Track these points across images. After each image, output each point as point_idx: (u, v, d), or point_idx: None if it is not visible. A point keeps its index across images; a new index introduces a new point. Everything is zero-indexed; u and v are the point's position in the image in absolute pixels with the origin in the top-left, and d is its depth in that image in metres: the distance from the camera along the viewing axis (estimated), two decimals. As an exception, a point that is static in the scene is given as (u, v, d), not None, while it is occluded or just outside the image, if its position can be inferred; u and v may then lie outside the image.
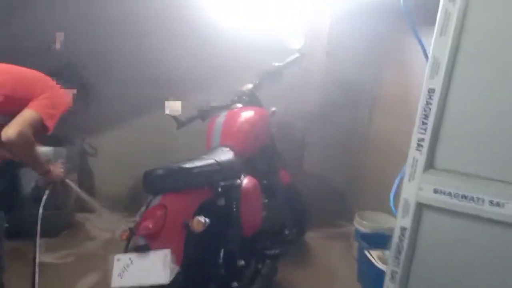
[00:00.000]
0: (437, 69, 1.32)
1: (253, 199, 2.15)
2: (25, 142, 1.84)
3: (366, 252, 2.48)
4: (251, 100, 2.53)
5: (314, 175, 3.21)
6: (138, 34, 2.87)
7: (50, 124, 1.94)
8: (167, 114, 2.24)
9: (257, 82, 2.56)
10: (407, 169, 1.44)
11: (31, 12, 2.84)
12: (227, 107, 2.46)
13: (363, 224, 2.78)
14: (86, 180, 3.09)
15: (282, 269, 2.53)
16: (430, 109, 1.35)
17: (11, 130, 1.79)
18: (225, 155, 2.07)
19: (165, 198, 1.72)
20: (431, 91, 1.34)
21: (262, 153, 2.44)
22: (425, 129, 1.38)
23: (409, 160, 1.43)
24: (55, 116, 1.97)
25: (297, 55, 2.54)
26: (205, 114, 2.44)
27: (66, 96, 2.12)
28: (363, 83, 3.14)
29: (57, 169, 2.14)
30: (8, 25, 2.05)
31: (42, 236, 2.75)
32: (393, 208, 1.85)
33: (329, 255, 2.97)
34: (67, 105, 2.08)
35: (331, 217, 3.22)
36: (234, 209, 2.01)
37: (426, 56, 1.42)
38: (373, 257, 2.36)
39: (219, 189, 1.95)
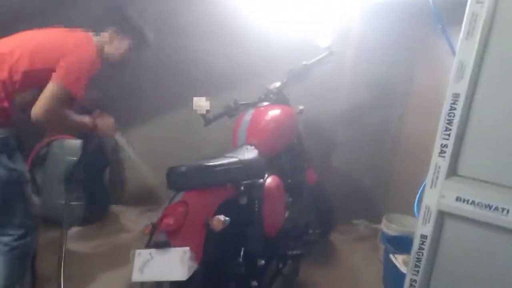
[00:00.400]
0: (462, 73, 1.27)
1: (276, 199, 2.14)
2: (54, 119, 1.78)
3: (391, 256, 2.44)
4: (278, 98, 2.52)
5: (342, 175, 3.17)
6: (170, 33, 2.91)
7: (76, 89, 1.84)
8: (194, 111, 2.24)
9: (285, 80, 2.54)
10: (429, 175, 1.41)
11: (71, 9, 2.91)
12: (254, 105, 2.46)
13: (390, 227, 2.73)
14: (117, 174, 3.19)
15: (305, 269, 2.52)
16: (454, 114, 1.31)
17: (37, 109, 1.75)
18: (249, 153, 2.07)
19: (187, 195, 1.74)
20: (455, 95, 1.30)
21: (288, 152, 2.43)
22: (449, 135, 1.34)
23: (432, 166, 1.39)
24: (79, 81, 1.85)
25: (325, 53, 2.50)
26: (232, 112, 2.45)
27: (89, 53, 1.93)
28: (394, 83, 3.07)
29: (105, 121, 2.05)
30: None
31: (77, 224, 2.87)
32: (417, 214, 1.80)
33: (354, 256, 2.93)
34: (93, 63, 1.92)
35: (358, 218, 3.17)
36: (256, 208, 2.01)
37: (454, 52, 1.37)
38: (398, 261, 2.32)
39: (242, 188, 1.95)
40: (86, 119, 1.99)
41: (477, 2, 1.21)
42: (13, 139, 1.86)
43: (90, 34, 2.04)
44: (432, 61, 2.65)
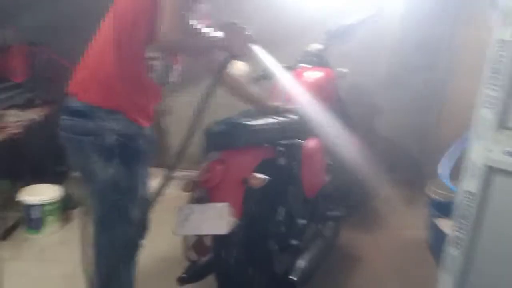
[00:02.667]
0: (510, 17, 1.18)
1: (315, 161, 2.13)
2: (187, 35, 1.44)
3: (435, 220, 2.38)
4: (318, 60, 2.46)
5: (386, 140, 3.09)
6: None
7: None
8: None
9: (326, 42, 2.48)
10: (474, 128, 1.34)
11: None
12: (292, 67, 2.42)
13: (436, 191, 2.65)
14: (161, 138, 3.28)
15: (347, 232, 2.51)
16: (502, 61, 1.23)
17: (167, 29, 1.36)
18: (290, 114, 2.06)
19: (225, 154, 1.76)
20: (502, 42, 1.21)
21: (330, 114, 2.38)
22: (497, 84, 1.26)
23: (477, 118, 1.32)
24: None
25: (370, 12, 2.40)
26: (271, 74, 2.42)
27: None
28: (439, 43, 2.92)
29: (238, 34, 1.60)
30: None
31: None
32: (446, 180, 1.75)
33: (399, 221, 2.89)
34: None
35: (403, 183, 3.09)
36: (295, 170, 2.01)
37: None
38: (442, 225, 2.26)
39: (280, 148, 1.95)
40: (216, 32, 1.55)
41: None
42: None
43: None
44: (481, 16, 2.49)
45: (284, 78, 2.13)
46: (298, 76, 2.35)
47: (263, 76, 2.44)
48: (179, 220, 1.67)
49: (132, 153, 1.53)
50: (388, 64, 3.06)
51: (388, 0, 2.72)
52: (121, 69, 1.48)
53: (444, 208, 2.35)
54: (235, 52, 1.60)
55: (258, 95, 2.00)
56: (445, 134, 3.04)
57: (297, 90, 2.23)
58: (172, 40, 1.41)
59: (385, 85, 3.09)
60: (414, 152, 3.13)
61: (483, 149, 1.32)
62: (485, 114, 1.30)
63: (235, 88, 1.96)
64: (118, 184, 1.51)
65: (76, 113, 1.49)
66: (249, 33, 1.62)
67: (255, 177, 1.72)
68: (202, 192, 1.73)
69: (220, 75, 1.63)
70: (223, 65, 1.62)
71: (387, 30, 2.95)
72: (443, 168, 1.92)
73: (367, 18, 2.43)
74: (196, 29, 1.47)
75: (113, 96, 1.48)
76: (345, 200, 2.48)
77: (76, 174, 1.66)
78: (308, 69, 2.41)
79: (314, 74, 2.38)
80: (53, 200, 2.60)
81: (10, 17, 2.59)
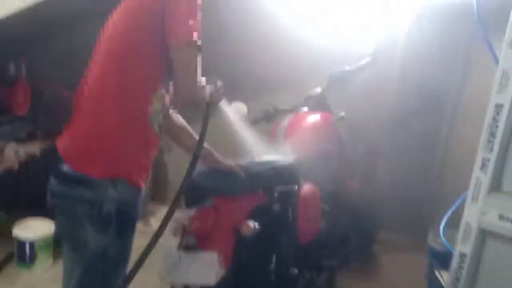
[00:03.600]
0: (506, 83, 1.18)
1: (311, 207, 2.09)
2: (198, 94, 1.44)
3: (436, 272, 2.31)
4: (318, 104, 2.46)
5: (388, 184, 3.04)
6: (209, 38, 2.93)
7: (198, 36, 1.37)
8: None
9: (326, 86, 2.49)
10: (470, 190, 1.31)
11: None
12: (292, 110, 2.43)
13: (437, 241, 2.58)
14: (161, 174, 3.27)
15: (344, 282, 2.44)
16: (497, 126, 1.22)
17: (192, 88, 1.38)
18: (285, 159, 2.04)
19: (217, 200, 1.74)
20: (498, 106, 1.20)
21: (327, 159, 2.37)
22: (491, 148, 1.24)
23: (473, 180, 1.30)
24: (196, 25, 1.37)
25: (368, 59, 2.42)
26: (271, 117, 2.44)
27: None
28: (444, 89, 2.92)
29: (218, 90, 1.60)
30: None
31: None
32: (442, 237, 1.73)
33: (398, 270, 2.81)
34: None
35: (404, 230, 3.03)
36: (290, 216, 1.98)
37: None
38: (442, 278, 2.19)
39: (275, 194, 1.93)
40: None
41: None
42: None
43: None
44: (483, 67, 2.50)
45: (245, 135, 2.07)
46: (300, 119, 2.36)
47: (262, 118, 2.45)
48: (166, 267, 1.63)
49: (129, 221, 1.44)
50: (391, 108, 3.06)
51: (387, 45, 2.72)
52: (126, 129, 1.38)
53: (445, 259, 2.28)
54: (213, 102, 1.58)
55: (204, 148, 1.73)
56: (447, 181, 3.01)
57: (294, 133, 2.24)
58: (191, 96, 1.42)
59: (388, 129, 3.08)
60: (416, 198, 3.08)
61: (478, 211, 1.30)
62: (480, 177, 1.28)
63: (179, 138, 1.72)
64: (109, 253, 1.40)
65: (72, 180, 1.36)
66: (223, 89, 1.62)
67: (246, 225, 1.69)
68: (190, 239, 1.70)
69: (206, 124, 1.57)
70: (206, 115, 1.57)
71: (388, 74, 2.96)
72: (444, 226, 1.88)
73: (366, 64, 2.45)
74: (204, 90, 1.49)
75: (116, 163, 1.37)
76: (341, 247, 2.43)
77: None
78: (310, 112, 2.41)
79: (317, 118, 2.38)
80: (46, 236, 2.58)
81: (15, 51, 2.64)
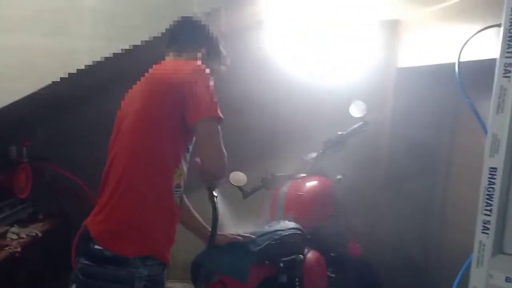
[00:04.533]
0: (497, 147, 1.23)
1: (317, 275, 2.08)
2: (224, 164, 1.50)
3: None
4: (315, 169, 2.52)
5: (388, 245, 3.03)
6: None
7: (220, 112, 1.49)
8: (232, 185, 2.27)
9: (321, 151, 2.55)
10: (474, 254, 1.33)
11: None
12: (290, 177, 2.47)
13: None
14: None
15: None
16: (493, 189, 1.25)
17: (213, 165, 1.47)
18: (287, 228, 2.05)
19: (224, 275, 1.73)
20: (492, 170, 1.25)
21: (328, 224, 2.38)
22: (491, 210, 1.27)
23: (476, 243, 1.32)
24: (216, 99, 1.49)
25: (360, 123, 2.51)
26: (269, 184, 2.47)
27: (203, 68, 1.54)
28: (435, 148, 3.00)
29: None
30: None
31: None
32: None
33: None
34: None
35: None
36: (297, 286, 1.96)
37: (483, 127, 1.34)
38: None
39: (281, 265, 1.92)
40: None
41: (504, 76, 1.20)
42: None
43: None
44: (472, 126, 2.59)
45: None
46: (299, 185, 2.40)
47: (261, 186, 2.48)
48: None
49: None
50: (384, 169, 3.11)
51: (377, 109, 2.83)
52: (157, 206, 1.46)
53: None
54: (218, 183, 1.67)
55: (204, 227, 1.82)
56: (448, 241, 3.00)
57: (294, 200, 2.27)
58: (217, 172, 1.50)
59: (384, 190, 3.11)
60: (418, 258, 3.06)
61: (484, 275, 1.30)
62: (483, 239, 1.30)
63: (184, 216, 1.74)
64: None
65: (105, 260, 1.42)
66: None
67: (255, 301, 1.68)
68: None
69: (214, 200, 1.66)
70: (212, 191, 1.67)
71: (379, 136, 3.05)
72: None
73: (358, 127, 2.53)
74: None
75: (150, 242, 1.45)
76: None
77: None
78: (308, 178, 2.45)
79: (315, 183, 2.42)
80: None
81: (16, 134, 2.70)
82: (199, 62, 1.56)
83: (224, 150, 1.49)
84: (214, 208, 1.65)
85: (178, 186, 1.53)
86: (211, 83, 1.50)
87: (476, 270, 1.31)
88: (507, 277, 1.26)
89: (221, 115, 1.47)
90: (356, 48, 3.05)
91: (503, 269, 1.26)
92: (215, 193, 1.67)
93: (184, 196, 1.70)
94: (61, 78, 2.06)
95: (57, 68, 2.13)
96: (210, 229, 1.73)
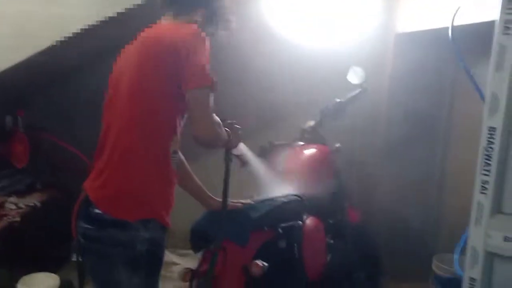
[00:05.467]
0: (496, 106, 1.22)
1: (316, 241, 2.10)
2: (217, 133, 1.51)
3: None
4: (313, 137, 2.51)
5: (387, 213, 3.05)
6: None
7: (215, 81, 1.46)
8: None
9: (319, 119, 2.54)
10: (473, 214, 1.33)
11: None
12: (289, 145, 2.47)
13: (442, 268, 2.58)
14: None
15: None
16: (492, 148, 1.25)
17: (201, 131, 1.43)
18: (287, 195, 2.06)
19: (224, 241, 1.74)
20: (491, 129, 1.24)
21: (327, 192, 2.39)
22: (489, 171, 1.27)
23: (474, 204, 1.32)
24: (208, 67, 1.45)
25: (358, 90, 2.49)
26: (268, 153, 2.46)
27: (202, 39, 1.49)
28: (433, 114, 2.99)
29: (236, 133, 1.71)
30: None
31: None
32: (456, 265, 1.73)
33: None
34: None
35: (407, 259, 3.01)
36: (296, 251, 1.98)
37: (479, 92, 1.33)
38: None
39: (280, 231, 1.93)
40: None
41: (504, 34, 1.17)
42: None
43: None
44: (470, 89, 2.57)
45: (260, 167, 2.14)
46: (297, 153, 2.39)
47: (259, 155, 2.46)
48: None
49: (157, 260, 1.52)
50: (383, 136, 3.11)
51: (375, 76, 2.80)
52: (155, 172, 1.47)
53: (451, 285, 2.28)
54: (232, 146, 1.72)
55: (203, 191, 1.84)
56: (447, 206, 3.03)
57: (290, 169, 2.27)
58: (209, 140, 1.48)
59: (384, 158, 3.11)
60: (417, 225, 3.08)
61: (482, 234, 1.31)
62: (481, 200, 1.30)
63: (183, 179, 1.73)
64: None
65: (106, 224, 1.43)
66: (241, 132, 1.74)
67: (255, 265, 1.70)
68: (202, 282, 1.69)
69: (228, 164, 1.75)
70: (228, 155, 1.75)
71: (378, 102, 3.03)
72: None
73: (356, 95, 2.51)
74: (221, 127, 1.56)
75: (149, 206, 1.46)
76: (348, 281, 2.41)
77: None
78: (307, 146, 2.45)
79: (313, 151, 2.42)
80: (52, 291, 2.53)
81: (12, 104, 2.68)
82: (195, 26, 1.51)
83: (217, 119, 1.50)
84: (227, 171, 1.72)
85: (175, 152, 1.54)
86: (207, 49, 1.47)
87: (475, 230, 1.33)
88: (505, 237, 1.27)
89: (213, 84, 1.45)
90: (354, 14, 2.99)
91: (501, 229, 1.27)
92: (231, 156, 1.74)
93: (184, 159, 1.71)
94: (52, 45, 2.03)
95: (50, 36, 2.09)
96: (207, 193, 1.81)
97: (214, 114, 1.48)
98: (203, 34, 1.49)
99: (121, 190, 1.45)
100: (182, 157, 1.73)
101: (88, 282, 1.56)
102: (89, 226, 1.45)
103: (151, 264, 1.48)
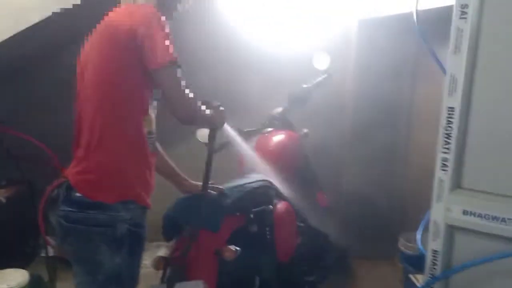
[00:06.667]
0: (455, 86, 1.28)
1: (287, 225, 2.14)
2: (195, 110, 1.55)
3: (410, 276, 2.39)
4: (282, 123, 2.54)
5: (355, 196, 3.14)
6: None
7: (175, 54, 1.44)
8: (199, 141, 2.26)
9: (287, 105, 2.57)
10: (434, 190, 1.40)
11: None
12: (258, 131, 2.49)
13: (408, 246, 2.68)
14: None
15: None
16: (451, 127, 1.31)
17: (179, 112, 1.47)
18: (257, 181, 2.09)
19: (196, 227, 1.75)
20: (450, 109, 1.30)
21: (296, 177, 2.44)
22: (449, 148, 1.34)
23: (435, 180, 1.39)
24: (172, 46, 1.44)
25: (324, 75, 2.53)
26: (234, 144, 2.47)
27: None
28: (396, 99, 3.08)
29: (218, 112, 1.75)
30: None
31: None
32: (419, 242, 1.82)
33: (374, 279, 2.88)
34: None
35: (375, 240, 3.12)
36: (268, 235, 2.02)
37: (443, 69, 1.39)
38: (418, 281, 2.27)
39: (251, 216, 1.97)
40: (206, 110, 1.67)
41: (461, 18, 1.23)
42: None
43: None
44: (430, 74, 2.66)
45: (244, 147, 2.19)
46: (267, 139, 2.42)
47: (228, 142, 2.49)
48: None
49: (139, 240, 1.54)
50: (349, 121, 3.18)
51: (340, 61, 2.85)
52: (131, 154, 1.49)
53: (417, 262, 2.37)
54: (216, 126, 1.80)
55: (177, 173, 1.88)
56: (411, 187, 3.14)
57: (259, 155, 2.30)
58: (187, 116, 1.51)
59: (349, 141, 3.19)
60: (383, 206, 3.18)
61: (443, 209, 1.38)
62: (442, 176, 1.37)
63: (159, 166, 1.73)
64: (122, 274, 1.49)
65: (87, 206, 1.44)
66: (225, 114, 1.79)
67: (227, 249, 1.72)
68: (174, 270, 1.70)
69: (211, 146, 1.81)
70: (212, 136, 1.82)
71: (343, 88, 3.10)
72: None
73: (322, 80, 2.55)
74: (199, 106, 1.58)
75: (127, 188, 1.49)
76: (319, 261, 2.48)
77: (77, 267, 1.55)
78: (276, 132, 2.48)
79: (282, 137, 2.45)
80: (22, 286, 2.47)
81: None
82: (151, 7, 1.50)
83: (191, 94, 1.50)
84: (210, 154, 1.78)
85: (150, 133, 1.55)
86: (166, 27, 1.46)
87: (436, 205, 1.40)
88: (464, 210, 1.34)
89: (177, 59, 1.44)
90: (318, 1, 3.03)
91: (460, 203, 1.34)
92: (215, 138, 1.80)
93: (157, 142, 1.71)
94: (11, 36, 1.96)
95: (8, 27, 2.03)
96: (182, 175, 1.87)
97: (189, 90, 1.49)
98: (159, 13, 1.48)
99: (99, 173, 1.47)
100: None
101: (59, 277, 1.56)
102: (70, 209, 1.46)
103: (133, 244, 1.50)
